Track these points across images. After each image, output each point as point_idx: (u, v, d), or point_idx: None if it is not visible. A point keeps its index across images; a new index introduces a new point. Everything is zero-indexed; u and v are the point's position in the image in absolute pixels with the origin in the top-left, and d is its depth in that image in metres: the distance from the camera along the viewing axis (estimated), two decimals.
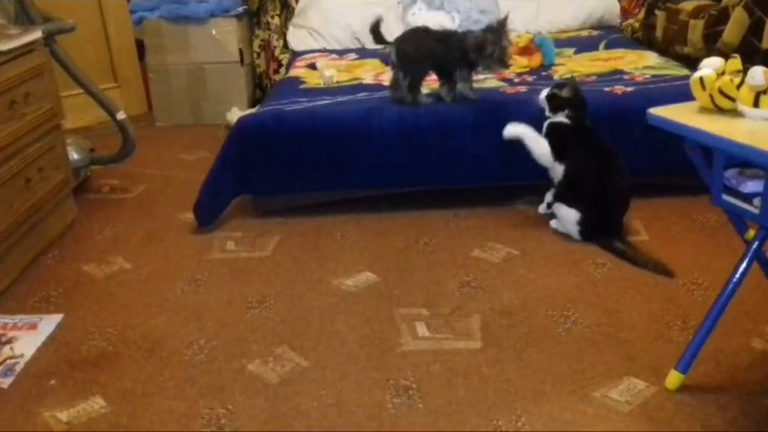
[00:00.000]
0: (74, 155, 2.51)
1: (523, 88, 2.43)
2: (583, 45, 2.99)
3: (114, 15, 3.46)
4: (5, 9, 2.31)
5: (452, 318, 1.74)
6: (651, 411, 1.40)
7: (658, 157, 2.15)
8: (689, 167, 1.44)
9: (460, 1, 3.19)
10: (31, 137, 2.09)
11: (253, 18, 3.48)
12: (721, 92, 1.35)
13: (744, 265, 1.39)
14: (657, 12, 3.12)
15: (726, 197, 1.38)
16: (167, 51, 3.36)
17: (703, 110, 1.40)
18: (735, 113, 1.35)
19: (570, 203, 2.06)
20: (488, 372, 1.54)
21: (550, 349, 1.60)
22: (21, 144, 2.03)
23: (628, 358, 1.56)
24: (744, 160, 1.32)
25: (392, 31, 2.57)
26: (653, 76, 2.47)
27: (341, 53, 3.19)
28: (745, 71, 1.34)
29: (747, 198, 1.35)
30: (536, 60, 2.71)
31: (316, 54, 3.20)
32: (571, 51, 2.91)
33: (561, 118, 2.08)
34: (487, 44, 2.17)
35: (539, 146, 2.09)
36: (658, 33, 3.08)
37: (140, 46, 3.49)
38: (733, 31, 2.57)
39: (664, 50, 2.94)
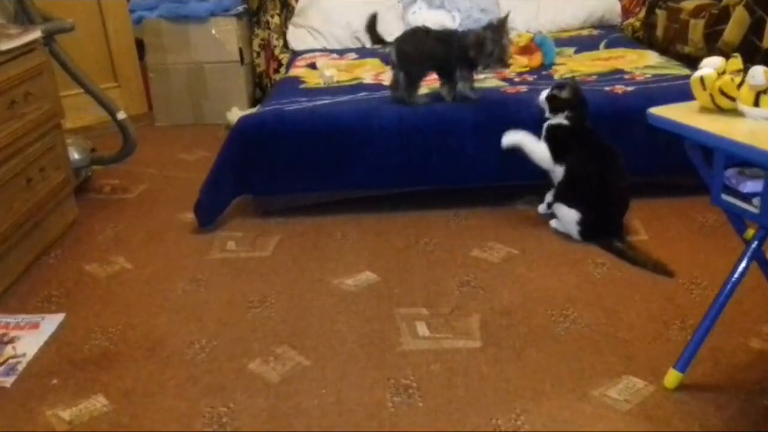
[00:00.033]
0: (75, 155, 2.52)
1: (523, 88, 2.43)
2: (584, 44, 2.99)
3: (114, 14, 3.46)
4: (5, 8, 2.31)
5: (452, 317, 1.74)
6: (649, 410, 1.40)
7: (659, 156, 2.16)
8: (689, 167, 1.45)
9: (461, 0, 3.19)
10: (31, 137, 2.09)
11: (253, 17, 3.48)
12: (722, 92, 1.36)
13: (743, 264, 1.39)
14: (658, 11, 3.12)
15: (725, 197, 1.38)
16: (167, 50, 3.36)
17: (704, 110, 1.40)
18: (735, 113, 1.36)
19: (570, 203, 2.06)
20: (488, 371, 1.54)
21: (550, 349, 1.60)
22: (21, 144, 2.04)
23: (627, 357, 1.56)
24: (744, 159, 1.32)
25: (392, 30, 2.57)
26: (654, 75, 2.47)
27: (341, 53, 3.19)
28: (745, 71, 1.34)
29: (746, 198, 1.35)
30: (536, 59, 2.71)
31: (316, 53, 3.21)
32: (571, 50, 2.91)
33: (560, 119, 2.08)
34: (487, 42, 2.17)
35: (538, 151, 2.09)
36: (659, 32, 3.08)
37: (140, 45, 3.49)
38: (733, 30, 2.57)
39: (664, 49, 2.95)
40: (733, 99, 1.35)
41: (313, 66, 2.96)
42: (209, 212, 2.29)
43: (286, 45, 3.43)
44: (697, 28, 2.79)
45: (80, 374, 1.60)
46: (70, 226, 2.35)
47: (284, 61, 3.36)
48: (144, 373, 1.59)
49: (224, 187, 2.31)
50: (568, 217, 2.08)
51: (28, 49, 2.10)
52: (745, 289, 1.48)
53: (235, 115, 3.02)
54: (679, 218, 2.19)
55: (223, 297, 1.89)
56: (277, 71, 3.40)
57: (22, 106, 2.05)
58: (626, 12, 3.43)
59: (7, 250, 1.97)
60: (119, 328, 1.77)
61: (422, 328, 1.71)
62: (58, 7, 2.59)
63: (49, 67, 2.26)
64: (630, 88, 2.32)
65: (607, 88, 2.34)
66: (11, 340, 1.74)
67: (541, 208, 2.24)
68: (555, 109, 2.09)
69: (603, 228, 2.05)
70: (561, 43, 2.96)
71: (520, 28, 3.18)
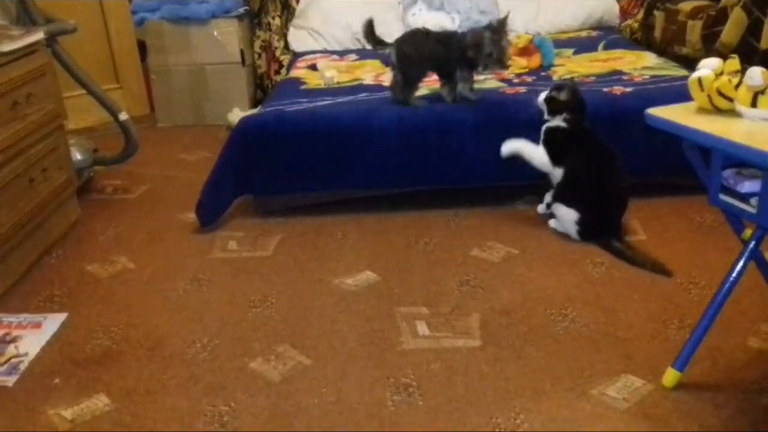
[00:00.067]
0: (77, 156, 2.53)
1: (522, 89, 2.44)
2: (582, 45, 3.00)
3: (115, 16, 3.47)
4: (7, 10, 2.32)
5: (452, 317, 1.75)
6: (648, 408, 1.41)
7: (657, 157, 2.17)
8: (687, 167, 1.45)
9: (460, 2, 3.21)
10: (33, 138, 2.10)
11: (254, 19, 3.49)
12: (720, 93, 1.37)
13: (741, 264, 1.40)
14: (656, 12, 3.13)
15: (723, 197, 1.39)
16: (169, 52, 3.38)
17: (702, 110, 1.41)
18: (733, 113, 1.36)
19: (569, 203, 2.07)
20: (487, 370, 1.55)
21: (549, 348, 1.61)
22: (24, 145, 2.05)
23: (626, 356, 1.57)
24: (741, 160, 1.33)
25: (392, 31, 2.58)
26: (652, 76, 2.48)
27: (342, 54, 3.20)
28: (743, 71, 1.35)
29: (744, 198, 1.36)
30: (535, 61, 2.72)
31: (317, 55, 3.22)
32: (570, 51, 2.92)
33: (558, 121, 2.09)
34: (485, 42, 2.17)
35: (538, 156, 2.11)
36: (657, 33, 3.09)
37: (142, 46, 3.50)
38: (731, 31, 2.58)
39: (662, 51, 2.96)
40: (730, 100, 1.36)
41: (313, 67, 2.97)
42: (210, 212, 2.30)
43: (287, 46, 3.44)
44: (694, 30, 2.80)
45: (82, 373, 1.61)
46: (72, 227, 2.36)
47: (285, 63, 3.37)
48: (146, 373, 1.60)
49: (225, 188, 2.32)
50: (567, 217, 2.09)
51: (30, 50, 2.11)
52: (743, 289, 1.49)
53: (236, 116, 3.03)
54: (677, 218, 2.20)
55: (224, 296, 1.90)
56: (278, 72, 3.41)
57: (24, 107, 2.06)
58: (624, 13, 3.44)
59: (10, 250, 1.98)
60: (121, 327, 1.78)
61: (422, 328, 1.72)
62: (59, 8, 2.60)
63: (52, 68, 2.27)
64: (628, 89, 2.33)
65: (605, 89, 2.35)
66: (13, 340, 1.75)
67: (541, 208, 2.25)
68: (553, 111, 2.10)
69: (602, 228, 2.06)
70: (560, 44, 2.97)
71: (519, 29, 3.19)
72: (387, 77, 2.54)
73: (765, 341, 1.60)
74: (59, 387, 1.57)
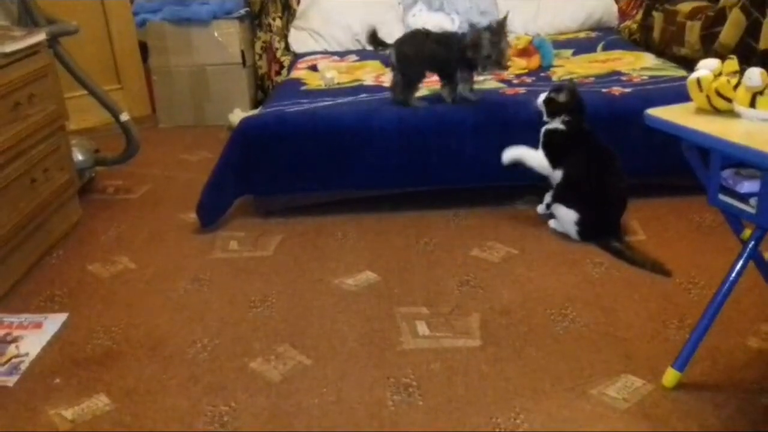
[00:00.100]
0: (79, 156, 2.53)
1: (522, 90, 2.45)
2: (582, 46, 3.01)
3: (117, 17, 3.48)
4: (9, 11, 2.33)
5: (452, 317, 1.75)
6: (648, 408, 1.42)
7: (656, 157, 2.17)
8: (686, 167, 1.46)
9: (460, 3, 3.21)
10: (35, 138, 2.11)
11: (254, 20, 3.50)
12: (718, 93, 1.37)
13: (740, 264, 1.40)
14: (654, 13, 3.13)
15: (722, 197, 1.39)
16: (170, 53, 3.38)
17: (700, 111, 1.41)
18: (732, 114, 1.37)
19: (568, 204, 2.08)
20: (487, 370, 1.55)
21: (549, 348, 1.62)
22: (25, 145, 2.05)
23: (626, 356, 1.57)
24: (740, 160, 1.33)
25: (392, 32, 2.59)
26: (651, 77, 2.49)
27: (342, 55, 3.21)
28: (741, 72, 1.36)
29: (743, 198, 1.36)
30: (535, 61, 2.72)
31: (318, 56, 3.22)
32: (569, 52, 2.92)
33: (557, 123, 2.09)
34: (484, 43, 2.18)
35: (537, 160, 2.11)
36: (656, 34, 3.09)
37: (143, 47, 3.51)
38: (730, 32, 2.59)
39: (661, 51, 2.96)
40: (729, 100, 1.37)
41: (314, 68, 2.98)
42: (211, 213, 2.31)
43: (287, 47, 3.45)
44: (693, 30, 2.80)
45: (83, 373, 1.62)
46: (73, 227, 2.36)
47: (286, 64, 3.38)
48: (146, 373, 1.61)
49: (226, 188, 2.32)
50: (566, 218, 2.09)
51: (32, 51, 2.11)
52: (743, 289, 1.50)
53: (237, 116, 3.04)
54: (676, 218, 2.20)
55: (224, 296, 1.91)
56: (278, 73, 3.41)
57: (26, 108, 2.07)
58: (623, 14, 3.45)
59: (11, 250, 1.98)
60: (121, 327, 1.79)
61: (422, 328, 1.72)
62: (61, 9, 2.60)
63: (54, 69, 2.28)
64: (627, 90, 2.34)
65: (604, 90, 2.35)
66: (14, 340, 1.75)
67: (540, 208, 2.25)
68: (552, 113, 2.10)
69: (601, 228, 2.06)
70: (559, 45, 2.98)
71: (519, 30, 3.19)
72: (387, 78, 2.55)
73: (765, 341, 1.60)
74: (60, 387, 1.58)
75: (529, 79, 2.58)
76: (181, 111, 3.45)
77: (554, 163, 2.10)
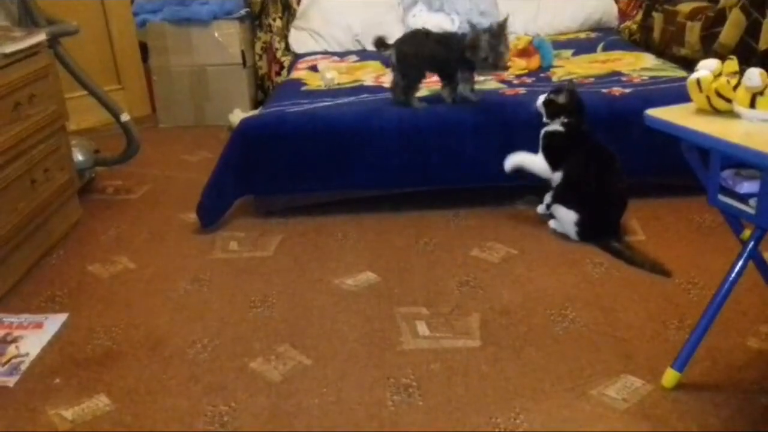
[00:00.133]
0: (79, 157, 2.54)
1: (522, 90, 2.45)
2: (582, 47, 3.01)
3: (117, 17, 3.49)
4: (9, 11, 2.33)
5: (452, 317, 1.75)
6: (647, 409, 1.42)
7: (656, 157, 2.17)
8: (686, 168, 1.46)
9: (460, 3, 3.21)
10: (35, 139, 2.11)
11: (255, 20, 3.50)
12: (718, 94, 1.37)
13: (740, 264, 1.40)
14: (654, 14, 3.14)
15: (722, 198, 1.39)
16: (170, 53, 3.39)
17: (700, 111, 1.41)
18: (731, 114, 1.37)
19: (568, 204, 2.08)
20: (487, 370, 1.55)
21: (549, 348, 1.62)
22: (26, 145, 2.05)
23: (625, 356, 1.57)
24: (740, 160, 1.34)
25: (392, 32, 2.59)
26: (651, 77, 2.49)
27: (342, 55, 3.21)
28: (741, 72, 1.36)
29: (743, 198, 1.36)
30: (535, 62, 2.72)
31: (318, 56, 3.23)
32: (569, 53, 2.93)
33: (557, 125, 2.09)
34: (482, 45, 2.18)
35: (538, 165, 2.12)
36: (656, 35, 3.10)
37: (143, 48, 3.51)
38: (729, 32, 2.59)
39: (661, 52, 2.96)
40: (729, 101, 1.37)
41: (314, 68, 2.98)
42: (211, 213, 2.31)
43: (287, 48, 3.45)
44: (693, 31, 2.80)
45: (83, 373, 1.62)
46: (73, 227, 2.37)
47: (286, 64, 3.38)
48: (146, 373, 1.61)
49: (226, 188, 2.32)
50: (566, 218, 2.09)
51: (32, 51, 2.11)
52: (743, 289, 1.50)
53: (237, 116, 3.04)
54: (676, 219, 2.20)
55: (224, 297, 1.91)
56: (278, 74, 3.42)
57: (26, 108, 2.07)
58: (623, 15, 3.45)
59: (11, 251, 1.98)
60: (122, 327, 1.79)
61: (422, 328, 1.72)
62: (61, 9, 2.61)
63: (54, 69, 2.28)
64: (627, 90, 2.34)
65: (604, 90, 2.35)
66: (14, 340, 1.75)
67: (540, 208, 2.26)
68: (552, 114, 2.10)
69: (601, 228, 2.07)
70: (559, 45, 2.98)
71: (519, 30, 3.19)
72: (387, 78, 2.55)
73: (764, 341, 1.60)
74: (60, 387, 1.58)
75: (529, 80, 2.58)
76: (181, 111, 3.45)
77: (554, 166, 2.10)
